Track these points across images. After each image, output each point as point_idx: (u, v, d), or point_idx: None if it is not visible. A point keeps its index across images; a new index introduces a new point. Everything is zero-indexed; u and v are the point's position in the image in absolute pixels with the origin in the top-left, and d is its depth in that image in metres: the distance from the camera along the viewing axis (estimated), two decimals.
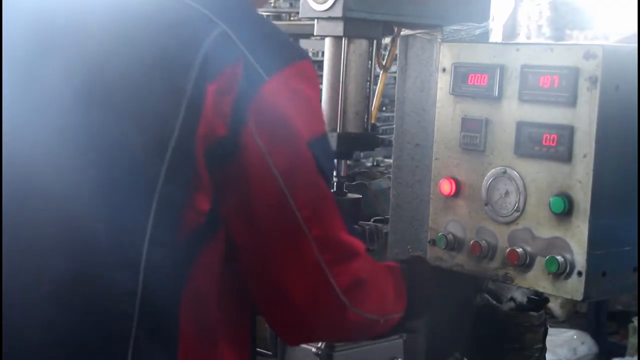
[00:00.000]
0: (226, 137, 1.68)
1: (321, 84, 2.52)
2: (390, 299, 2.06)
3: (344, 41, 2.42)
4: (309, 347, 2.27)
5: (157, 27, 1.73)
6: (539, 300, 2.62)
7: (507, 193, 2.22)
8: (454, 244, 2.33)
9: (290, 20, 7.68)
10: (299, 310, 1.84)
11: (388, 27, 2.55)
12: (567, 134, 2.09)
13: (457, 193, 2.33)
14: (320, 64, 2.54)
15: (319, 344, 2.25)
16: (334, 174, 2.36)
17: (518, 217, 2.20)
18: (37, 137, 1.74)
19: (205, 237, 1.75)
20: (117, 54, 1.74)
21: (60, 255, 1.73)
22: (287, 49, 1.80)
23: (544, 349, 2.68)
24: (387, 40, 2.66)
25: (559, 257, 2.10)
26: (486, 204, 2.26)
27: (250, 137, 1.69)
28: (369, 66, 2.47)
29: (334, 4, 2.37)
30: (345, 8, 2.36)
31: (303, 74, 1.77)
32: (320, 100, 1.82)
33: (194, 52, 1.68)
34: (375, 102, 2.56)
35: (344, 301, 1.85)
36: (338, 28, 2.41)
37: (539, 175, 2.15)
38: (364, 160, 7.36)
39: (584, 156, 2.07)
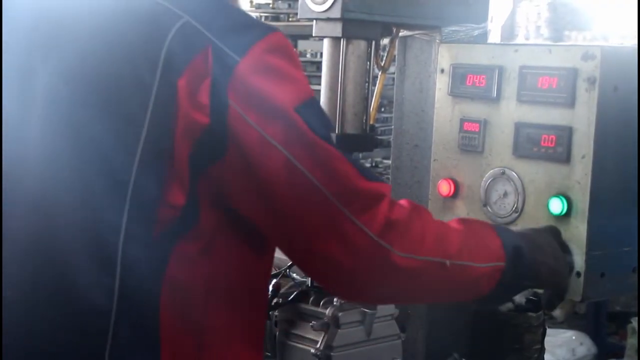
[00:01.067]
0: (210, 126, 1.68)
1: (319, 84, 2.52)
2: (454, 240, 1.92)
3: (343, 42, 2.42)
4: (308, 348, 2.27)
5: (126, 25, 1.75)
6: (537, 301, 2.62)
7: (505, 194, 2.22)
8: None
9: (288, 21, 7.69)
10: (345, 268, 1.81)
11: (386, 28, 2.55)
12: (565, 134, 2.09)
13: (455, 194, 2.33)
14: (318, 65, 2.54)
15: (318, 345, 2.25)
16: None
17: (517, 218, 2.20)
18: (22, 136, 1.77)
19: (181, 231, 1.74)
20: (94, 53, 1.75)
21: (36, 253, 1.75)
22: (254, 27, 1.78)
23: (542, 350, 2.68)
24: (385, 41, 2.66)
25: None
26: (485, 205, 2.26)
27: (238, 119, 1.69)
28: (368, 67, 2.47)
29: (332, 5, 2.37)
30: (344, 9, 2.36)
31: (274, 46, 1.75)
32: (300, 68, 1.80)
33: (158, 48, 1.69)
34: (373, 103, 2.57)
35: (384, 245, 1.79)
36: (337, 29, 2.41)
37: (537, 176, 2.16)
38: (362, 161, 7.37)
39: (583, 157, 2.07)
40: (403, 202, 1.90)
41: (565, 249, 2.08)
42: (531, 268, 1.99)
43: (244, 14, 1.82)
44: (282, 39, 1.78)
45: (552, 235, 2.09)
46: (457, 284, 1.95)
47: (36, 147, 1.75)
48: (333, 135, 2.41)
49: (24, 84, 1.78)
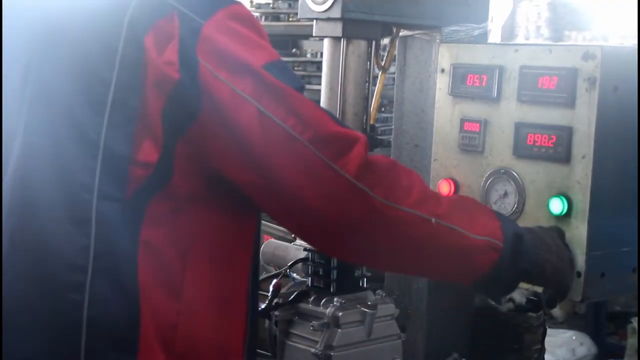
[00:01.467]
0: (181, 81, 1.72)
1: (320, 84, 2.52)
2: (443, 202, 1.90)
3: (343, 42, 2.42)
4: (308, 348, 2.27)
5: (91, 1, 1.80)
6: (537, 301, 2.62)
7: (506, 194, 2.22)
8: None
9: (289, 21, 7.68)
10: (327, 216, 1.82)
11: (387, 28, 2.55)
12: (565, 134, 2.09)
13: (456, 194, 2.33)
14: (319, 64, 2.54)
15: (318, 345, 2.25)
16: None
17: (517, 218, 2.20)
18: (15, 120, 1.81)
19: (154, 189, 1.77)
20: (60, 20, 1.80)
21: (13, 215, 1.78)
22: None
23: (542, 350, 2.68)
24: (385, 41, 2.66)
25: None
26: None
27: (209, 74, 1.73)
28: (368, 67, 2.47)
29: (332, 4, 2.37)
30: (344, 9, 2.36)
31: (238, 15, 1.80)
32: (265, 38, 1.85)
33: (121, 14, 1.74)
34: (374, 103, 2.56)
35: (362, 187, 1.80)
36: (337, 29, 2.41)
37: (537, 176, 2.16)
38: None
39: (583, 157, 2.07)
40: (391, 158, 1.94)
41: (569, 250, 2.08)
42: (533, 257, 1.97)
43: None
44: (244, 10, 1.83)
45: (558, 235, 2.09)
46: (446, 250, 1.89)
47: (22, 119, 1.79)
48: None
49: (23, 75, 1.82)
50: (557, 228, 2.10)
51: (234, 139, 1.77)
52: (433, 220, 1.86)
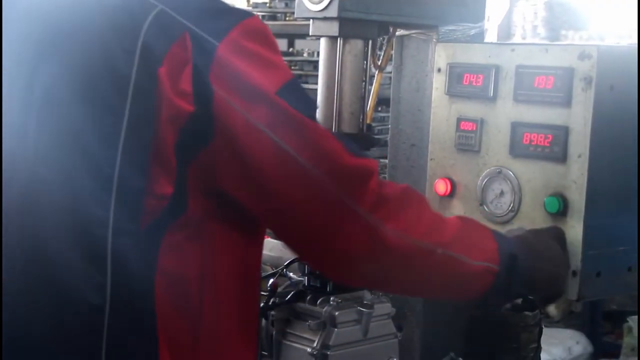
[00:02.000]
0: (195, 113, 1.67)
1: (316, 84, 2.51)
2: (448, 230, 1.92)
3: (340, 41, 2.41)
4: (304, 347, 2.27)
5: (100, 18, 1.74)
6: (533, 301, 2.62)
7: (502, 193, 2.23)
8: None
9: (285, 20, 7.68)
10: (336, 248, 1.82)
11: (383, 27, 2.55)
12: (561, 134, 2.09)
13: (452, 193, 2.33)
14: (315, 64, 2.53)
15: (314, 344, 2.25)
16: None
17: (513, 217, 2.20)
18: (21, 136, 1.75)
19: (169, 220, 1.73)
20: (71, 49, 1.74)
21: (25, 252, 1.73)
22: (230, 12, 1.77)
23: (539, 349, 2.68)
24: (382, 40, 2.66)
25: None
26: (481, 204, 2.26)
27: (223, 103, 1.68)
28: (365, 66, 2.47)
29: (329, 4, 2.37)
30: (341, 8, 2.35)
31: (251, 31, 1.75)
32: (278, 52, 1.81)
33: (134, 39, 1.68)
34: (370, 102, 2.56)
35: (375, 222, 1.79)
36: (333, 28, 2.41)
37: (533, 176, 2.16)
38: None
39: (579, 156, 2.07)
40: (401, 184, 1.91)
41: (565, 250, 2.09)
42: (526, 276, 1.99)
43: (219, 1, 1.80)
44: (258, 24, 1.78)
45: (554, 237, 2.09)
46: (448, 277, 1.94)
47: (28, 146, 1.74)
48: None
49: (27, 84, 1.77)
50: (556, 229, 2.10)
51: (245, 168, 1.73)
52: (439, 251, 1.89)
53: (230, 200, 1.77)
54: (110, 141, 1.68)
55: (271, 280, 2.38)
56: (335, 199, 1.77)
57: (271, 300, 2.36)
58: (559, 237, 2.09)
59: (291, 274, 2.42)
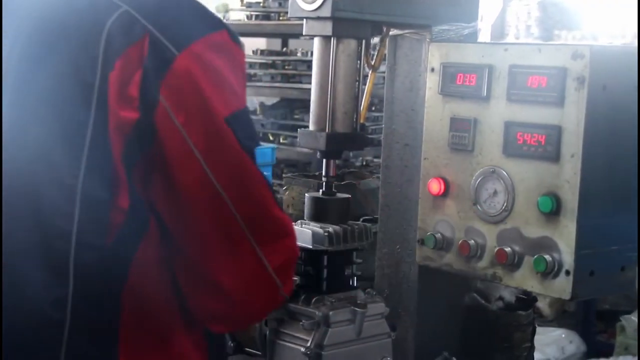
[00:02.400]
0: (140, 120, 1.61)
1: (310, 83, 2.51)
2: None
3: (333, 41, 2.41)
4: (298, 347, 2.27)
5: (66, 19, 1.68)
6: (527, 300, 2.62)
7: (495, 193, 2.23)
8: (443, 244, 2.33)
9: (279, 19, 7.67)
10: (233, 298, 1.76)
11: (377, 27, 2.55)
12: (555, 133, 2.10)
13: (445, 193, 2.33)
14: (309, 63, 2.53)
15: (308, 344, 2.25)
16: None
17: (506, 217, 2.20)
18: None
19: (136, 236, 1.67)
20: (38, 49, 1.69)
21: None
22: (202, 19, 1.70)
23: (532, 348, 2.68)
24: (376, 40, 2.66)
25: (547, 257, 2.11)
26: (475, 204, 2.26)
27: (164, 116, 1.61)
28: (358, 66, 2.47)
29: (322, 3, 2.36)
30: (334, 8, 2.35)
31: (219, 46, 1.68)
32: (241, 72, 1.73)
33: (96, 42, 1.62)
34: (364, 102, 2.56)
35: (277, 282, 1.77)
36: (327, 28, 2.40)
37: (527, 175, 2.16)
38: (353, 160, 7.35)
39: (572, 156, 2.07)
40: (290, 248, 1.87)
41: None
42: None
43: (196, 6, 1.73)
44: (226, 38, 1.70)
45: None
46: None
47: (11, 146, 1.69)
48: (323, 134, 2.41)
49: None
50: None
51: (172, 188, 1.67)
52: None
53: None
54: (74, 152, 1.62)
55: None
56: (246, 244, 1.72)
57: None
58: None
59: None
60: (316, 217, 2.35)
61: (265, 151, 6.67)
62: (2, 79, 1.70)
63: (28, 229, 1.65)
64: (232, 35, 1.72)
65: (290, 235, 1.81)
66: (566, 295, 2.11)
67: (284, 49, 8.28)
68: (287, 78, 7.73)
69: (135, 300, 1.68)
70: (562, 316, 6.16)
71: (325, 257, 2.31)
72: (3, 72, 1.70)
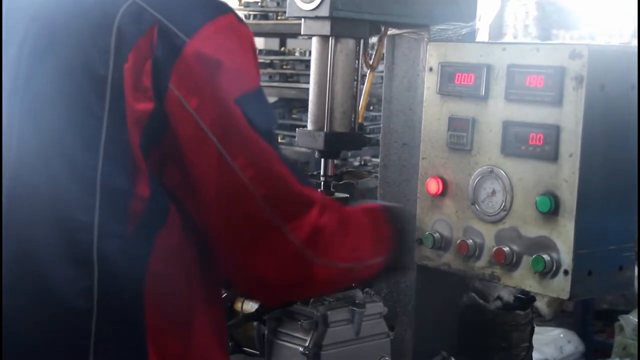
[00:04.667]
0: (155, 109, 1.63)
1: (308, 83, 2.51)
2: (367, 243, 1.97)
3: (331, 40, 2.41)
4: (296, 347, 2.27)
5: (75, 14, 1.70)
6: (525, 299, 2.62)
7: (493, 192, 2.23)
8: (441, 243, 2.33)
9: (277, 19, 7.67)
10: (262, 278, 1.78)
11: (375, 27, 2.55)
12: (553, 133, 2.10)
13: (444, 192, 2.33)
14: (307, 63, 2.53)
15: (306, 343, 2.25)
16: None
17: (505, 216, 2.20)
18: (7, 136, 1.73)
19: (157, 223, 1.70)
20: (50, 46, 1.70)
21: (12, 256, 1.70)
22: (207, 6, 1.71)
23: (530, 348, 2.68)
24: (374, 39, 2.66)
25: (545, 256, 2.11)
26: (473, 203, 2.26)
27: (176, 102, 1.63)
28: (356, 65, 2.47)
29: (321, 3, 2.36)
30: (332, 7, 2.35)
31: (228, 28, 1.69)
32: (252, 53, 1.74)
33: (107, 35, 1.64)
34: (362, 102, 2.56)
35: (306, 253, 1.76)
36: (325, 27, 2.40)
37: (525, 175, 2.16)
38: (351, 160, 7.36)
39: (570, 155, 2.08)
40: (332, 205, 1.88)
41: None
42: (408, 249, 2.15)
43: None
44: (234, 21, 1.72)
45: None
46: (358, 280, 2.11)
47: (12, 148, 1.72)
48: (322, 134, 2.41)
49: (12, 85, 1.74)
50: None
51: (187, 174, 1.69)
52: (359, 266, 1.97)
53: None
54: (91, 144, 1.64)
55: None
56: (270, 224, 1.73)
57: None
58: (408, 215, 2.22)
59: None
60: None
61: None
62: (14, 76, 1.72)
63: (49, 223, 1.67)
64: (238, 17, 1.75)
65: (315, 205, 1.79)
66: (564, 295, 2.11)
67: (282, 49, 8.28)
68: (285, 77, 7.73)
69: (157, 287, 1.70)
70: (560, 316, 6.16)
71: None
72: (15, 69, 1.72)
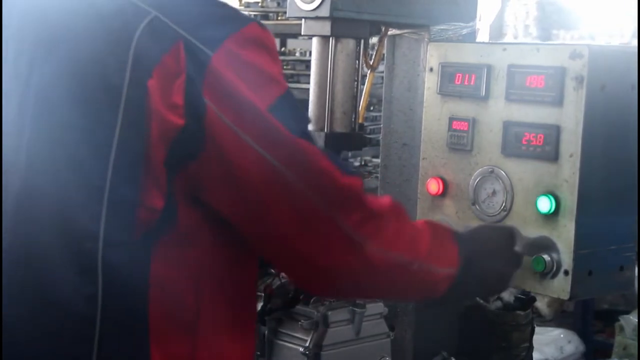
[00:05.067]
0: (186, 127, 1.63)
1: (308, 83, 2.51)
2: (424, 242, 1.93)
3: (332, 41, 2.41)
4: (297, 347, 2.27)
5: (93, 24, 1.69)
6: (526, 300, 2.62)
7: (494, 192, 2.23)
8: None
9: (277, 19, 7.67)
10: (320, 266, 1.80)
11: (375, 27, 2.55)
12: (553, 133, 2.10)
13: (444, 192, 2.33)
14: (307, 63, 2.53)
15: (307, 343, 2.25)
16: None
17: (505, 217, 2.20)
18: (15, 142, 1.72)
19: (161, 232, 1.70)
20: (65, 55, 1.69)
21: (17, 261, 1.70)
22: (229, 19, 1.71)
23: (530, 348, 2.68)
24: (374, 39, 2.66)
25: (545, 257, 2.11)
26: (473, 204, 2.26)
27: (215, 117, 1.64)
28: (357, 66, 2.47)
29: (321, 3, 2.37)
30: (333, 8, 2.35)
31: (249, 40, 1.69)
32: (275, 60, 1.76)
33: (126, 47, 1.63)
34: (362, 102, 2.56)
35: (360, 240, 1.78)
36: (325, 28, 2.41)
37: (525, 175, 2.16)
38: (351, 160, 7.35)
39: (571, 156, 2.07)
40: (384, 198, 1.89)
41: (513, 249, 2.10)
42: (479, 277, 2.02)
43: (219, 5, 1.75)
44: (257, 31, 1.72)
45: (507, 236, 2.11)
46: (418, 285, 1.97)
47: (21, 152, 1.71)
48: (322, 134, 2.41)
49: (21, 85, 1.74)
50: (510, 228, 2.13)
51: (234, 182, 1.70)
52: (416, 265, 1.91)
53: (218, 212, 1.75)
54: (101, 153, 1.64)
55: (266, 284, 2.37)
56: (324, 216, 1.75)
57: (267, 307, 2.35)
58: (511, 235, 2.11)
59: (282, 273, 2.42)
60: None
61: None
62: (25, 79, 1.72)
63: (56, 229, 1.67)
64: (261, 25, 1.76)
65: (361, 193, 1.81)
66: (565, 295, 2.11)
67: (283, 49, 8.27)
68: (285, 78, 7.72)
69: (162, 293, 1.70)
70: (560, 316, 6.16)
71: None
72: (27, 72, 1.72)
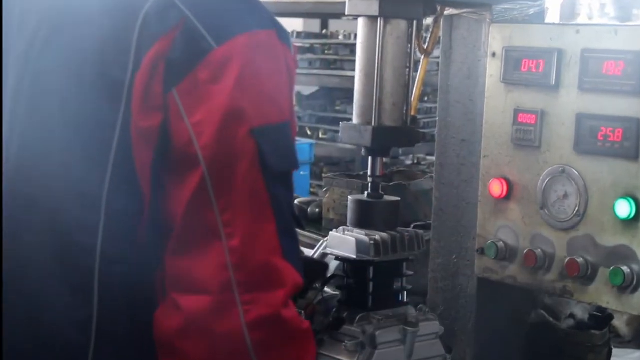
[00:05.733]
0: (162, 120, 1.62)
1: (353, 70, 2.52)
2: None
3: (380, 22, 2.42)
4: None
5: (97, 14, 1.70)
6: (602, 317, 2.62)
7: (565, 195, 2.23)
8: (506, 253, 2.34)
9: None
10: (195, 325, 1.67)
11: (430, 6, 2.56)
12: (633, 127, 2.09)
13: (508, 195, 2.33)
14: (352, 47, 2.54)
15: None
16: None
17: (578, 223, 2.20)
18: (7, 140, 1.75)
19: (158, 247, 1.68)
20: (70, 46, 1.72)
21: (7, 280, 1.71)
22: (250, 13, 1.69)
23: None
24: (428, 20, 2.66)
25: (624, 268, 2.11)
26: (542, 208, 2.26)
27: (174, 109, 1.61)
28: (408, 50, 2.47)
29: None
30: None
31: (264, 44, 1.66)
32: (290, 79, 1.70)
33: (130, 32, 1.63)
34: (415, 92, 2.57)
35: (247, 341, 1.66)
36: (373, 7, 2.41)
37: (602, 175, 2.16)
38: (402, 158, 7.37)
39: None
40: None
41: None
42: None
43: (244, 1, 1.72)
44: (274, 39, 1.68)
45: None
46: None
47: (10, 157, 1.73)
48: (369, 128, 2.41)
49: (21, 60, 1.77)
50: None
51: (177, 197, 1.65)
52: None
53: None
54: (98, 158, 1.64)
55: (309, 304, 2.37)
56: (225, 284, 1.64)
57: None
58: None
59: (325, 288, 2.43)
60: (361, 222, 2.36)
61: (303, 147, 6.69)
62: (21, 74, 1.75)
63: (48, 244, 1.68)
64: (282, 36, 1.70)
65: (283, 289, 1.69)
66: None
67: (324, 31, 8.30)
68: (327, 64, 7.75)
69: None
70: None
71: (371, 269, 2.32)
72: (22, 66, 1.75)
